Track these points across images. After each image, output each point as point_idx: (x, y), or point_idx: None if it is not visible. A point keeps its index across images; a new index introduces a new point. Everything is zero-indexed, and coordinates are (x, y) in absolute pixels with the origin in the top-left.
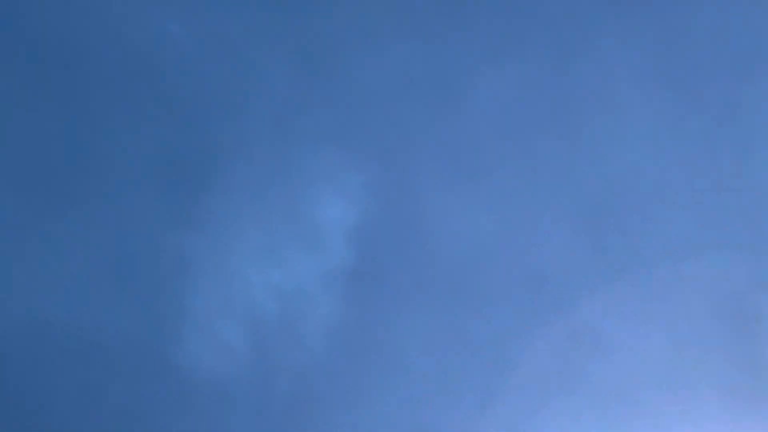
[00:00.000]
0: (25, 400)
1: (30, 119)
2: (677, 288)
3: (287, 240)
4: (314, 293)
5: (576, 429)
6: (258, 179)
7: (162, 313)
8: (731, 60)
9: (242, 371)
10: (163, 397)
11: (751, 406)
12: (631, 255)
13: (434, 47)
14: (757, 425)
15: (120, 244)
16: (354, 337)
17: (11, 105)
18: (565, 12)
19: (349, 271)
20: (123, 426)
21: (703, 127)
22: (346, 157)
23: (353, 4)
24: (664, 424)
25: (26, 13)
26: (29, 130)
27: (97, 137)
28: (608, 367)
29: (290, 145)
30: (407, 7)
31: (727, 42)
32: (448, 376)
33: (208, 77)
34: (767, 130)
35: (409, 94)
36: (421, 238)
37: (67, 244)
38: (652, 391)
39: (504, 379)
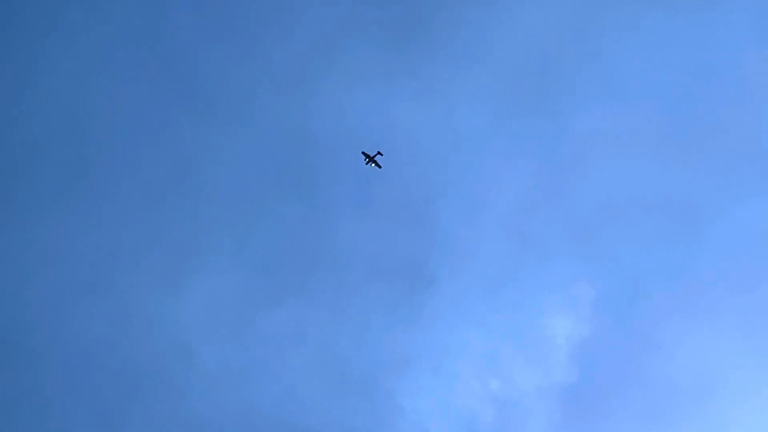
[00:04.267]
0: None
1: (279, 211)
2: None
3: (510, 348)
4: (531, 405)
5: None
6: (486, 284)
7: (377, 408)
8: None
9: None
10: None
11: None
12: None
13: (680, 172)
14: None
15: (342, 336)
16: None
17: (263, 199)
18: None
19: (570, 386)
20: None
21: None
22: (577, 270)
23: (593, 119)
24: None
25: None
26: (277, 219)
27: (335, 234)
28: None
29: (522, 250)
30: (651, 127)
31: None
32: None
33: (442, 174)
34: None
35: (650, 215)
36: (648, 362)
37: (290, 331)
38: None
39: None
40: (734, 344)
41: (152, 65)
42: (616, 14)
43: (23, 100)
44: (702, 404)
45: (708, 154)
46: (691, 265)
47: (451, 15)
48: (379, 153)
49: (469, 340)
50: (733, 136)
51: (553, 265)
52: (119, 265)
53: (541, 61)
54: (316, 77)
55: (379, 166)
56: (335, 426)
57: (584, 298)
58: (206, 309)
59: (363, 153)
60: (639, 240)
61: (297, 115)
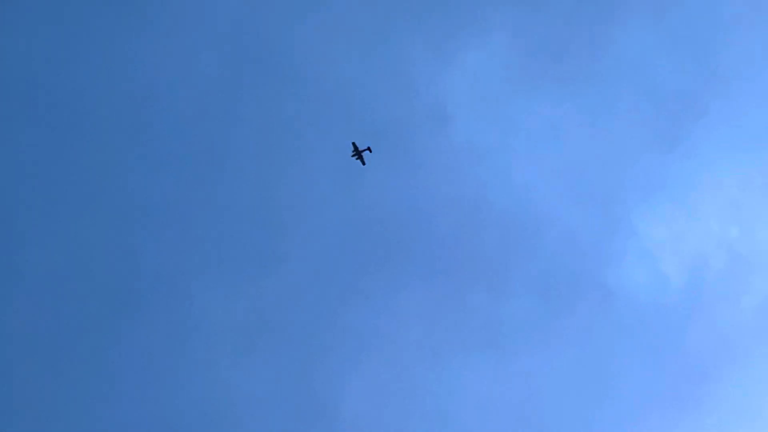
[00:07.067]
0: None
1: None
2: None
3: (762, 203)
4: (766, 263)
5: None
6: (756, 131)
7: (610, 226)
8: None
9: (672, 306)
10: (593, 307)
11: None
12: None
13: None
14: None
15: (595, 143)
16: None
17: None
18: None
19: None
20: (552, 334)
21: None
22: None
23: None
24: None
25: None
26: (565, 9)
27: (614, 43)
28: None
29: None
30: None
31: None
32: None
33: (737, 14)
34: None
35: None
36: None
37: (546, 125)
38: None
39: None
40: None
41: None
42: None
43: None
44: None
45: None
46: None
47: None
48: (368, 149)
49: (721, 181)
50: None
51: None
52: (394, 25)
53: None
54: None
55: (363, 163)
56: (564, 232)
57: None
58: (471, 82)
59: (353, 144)
60: None
61: None
